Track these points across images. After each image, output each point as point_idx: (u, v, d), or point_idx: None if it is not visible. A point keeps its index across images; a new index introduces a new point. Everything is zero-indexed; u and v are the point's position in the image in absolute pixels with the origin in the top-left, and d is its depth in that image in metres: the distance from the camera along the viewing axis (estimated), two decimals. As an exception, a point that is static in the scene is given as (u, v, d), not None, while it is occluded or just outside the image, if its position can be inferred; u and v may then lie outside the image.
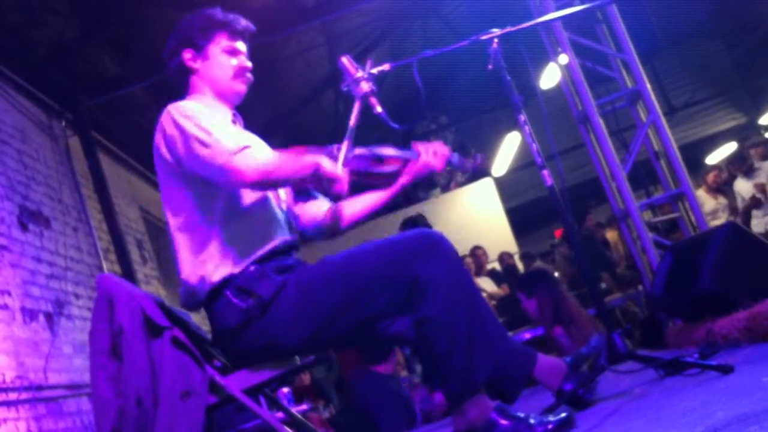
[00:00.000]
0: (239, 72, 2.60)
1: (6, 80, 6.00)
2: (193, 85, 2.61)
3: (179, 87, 2.64)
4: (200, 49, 2.58)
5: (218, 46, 2.59)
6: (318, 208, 2.73)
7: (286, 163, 2.33)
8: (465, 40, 2.74)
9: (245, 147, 2.28)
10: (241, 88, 2.62)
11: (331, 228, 2.72)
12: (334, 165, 2.32)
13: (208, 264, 2.38)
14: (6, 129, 5.76)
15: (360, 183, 2.62)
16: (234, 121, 2.63)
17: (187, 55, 2.58)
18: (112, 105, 7.30)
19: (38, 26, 6.04)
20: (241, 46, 2.63)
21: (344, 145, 2.44)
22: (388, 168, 2.63)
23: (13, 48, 5.99)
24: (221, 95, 2.61)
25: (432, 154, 2.66)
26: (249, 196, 2.45)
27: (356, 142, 2.49)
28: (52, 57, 6.37)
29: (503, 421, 2.15)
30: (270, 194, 2.52)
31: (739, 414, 1.65)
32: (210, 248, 2.38)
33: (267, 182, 2.33)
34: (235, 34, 2.62)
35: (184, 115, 2.38)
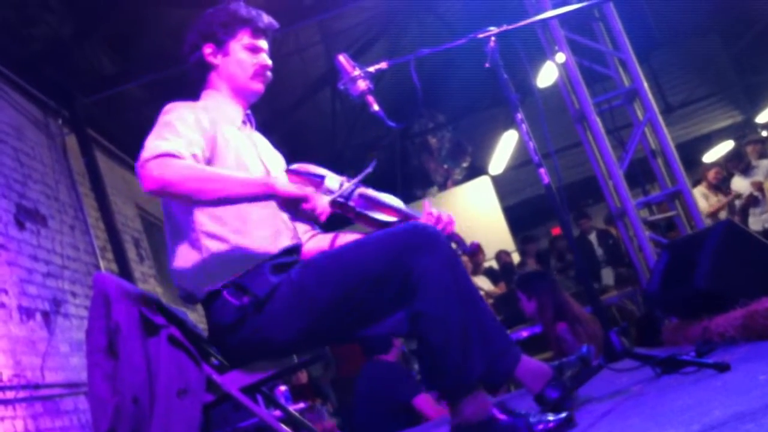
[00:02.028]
0: (259, 71, 2.59)
1: (2, 78, 5.99)
2: (211, 81, 2.60)
3: (197, 81, 2.63)
4: (221, 45, 2.57)
5: (239, 43, 2.57)
6: (302, 233, 2.66)
7: (206, 179, 2.22)
8: (462, 39, 2.74)
9: (163, 154, 2.21)
10: (259, 87, 2.60)
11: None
12: (299, 187, 2.29)
13: (203, 273, 2.37)
14: (2, 127, 5.75)
15: (352, 223, 2.60)
16: (244, 122, 2.61)
17: (207, 50, 2.57)
18: (109, 102, 7.29)
19: (34, 24, 6.03)
20: (262, 43, 2.62)
21: (350, 183, 2.45)
22: (385, 217, 2.58)
23: (9, 46, 5.98)
24: (238, 93, 2.59)
25: (435, 220, 2.60)
26: (252, 203, 2.40)
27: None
28: (49, 55, 6.36)
29: (503, 418, 2.15)
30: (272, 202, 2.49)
31: (735, 412, 1.65)
32: (205, 257, 2.37)
33: (170, 194, 2.23)
34: (258, 31, 2.60)
35: (161, 121, 2.37)
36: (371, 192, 2.59)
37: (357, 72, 2.55)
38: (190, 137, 2.33)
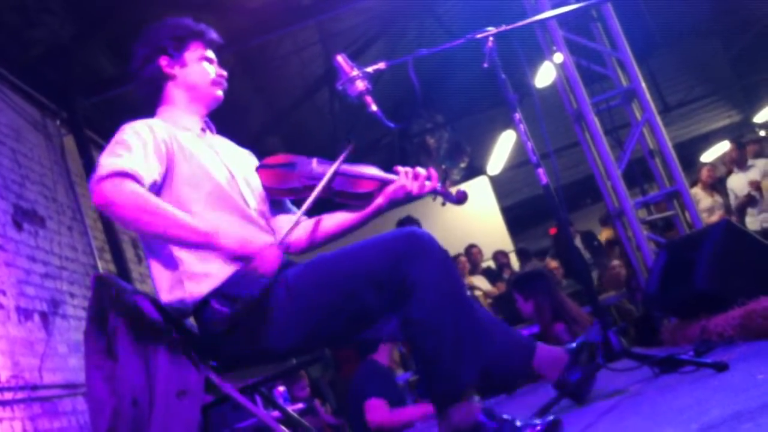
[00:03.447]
0: (218, 79, 2.62)
1: (1, 79, 5.99)
2: (167, 93, 2.60)
3: (150, 96, 2.62)
4: (175, 57, 2.58)
5: (195, 54, 2.60)
6: (286, 224, 2.62)
7: (152, 213, 2.22)
8: (460, 39, 2.74)
9: (119, 172, 2.22)
10: (219, 94, 2.63)
11: (294, 249, 2.66)
12: (243, 241, 2.26)
13: (186, 285, 2.36)
14: (0, 128, 5.75)
15: (333, 202, 2.59)
16: (204, 129, 2.61)
17: (163, 62, 2.58)
18: (107, 104, 7.29)
19: (34, 26, 6.03)
20: (212, 55, 2.65)
21: (302, 210, 2.42)
22: (363, 189, 2.57)
23: (8, 47, 5.98)
24: (198, 101, 2.61)
25: (412, 177, 2.57)
26: (214, 209, 2.41)
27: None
28: (48, 56, 6.36)
29: (489, 423, 2.12)
30: (238, 202, 2.47)
31: (733, 411, 1.65)
32: (183, 269, 2.36)
33: (108, 212, 2.24)
34: (209, 43, 2.64)
35: (117, 139, 2.36)
36: (345, 167, 2.56)
37: (355, 72, 2.55)
38: (144, 154, 2.33)
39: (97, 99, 6.96)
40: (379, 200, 2.59)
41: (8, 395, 4.64)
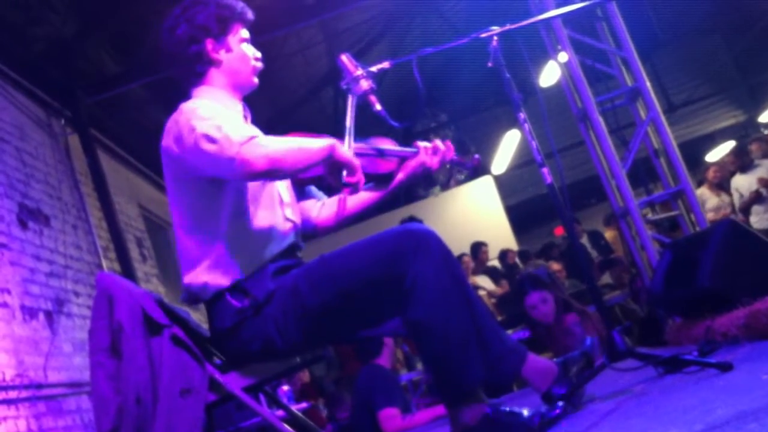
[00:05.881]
0: (256, 67, 2.57)
1: (5, 78, 6.00)
2: (210, 76, 2.51)
3: (189, 78, 2.53)
4: (219, 40, 2.50)
5: (236, 37, 2.53)
6: (312, 206, 2.69)
7: (296, 149, 2.23)
8: (465, 38, 2.74)
9: (252, 137, 2.20)
10: (256, 81, 2.58)
11: (322, 229, 2.69)
12: (348, 150, 2.28)
13: (213, 271, 2.36)
14: (5, 127, 5.76)
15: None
16: (245, 116, 2.57)
17: (209, 45, 2.49)
18: (112, 103, 7.30)
19: (37, 23, 6.03)
20: (247, 33, 2.59)
21: (348, 137, 2.41)
22: (385, 169, 2.59)
23: (12, 45, 5.99)
24: (238, 87, 2.55)
25: (430, 153, 2.60)
26: (255, 202, 2.40)
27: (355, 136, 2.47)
28: (51, 54, 6.36)
29: (497, 417, 2.14)
30: (274, 197, 2.47)
31: (738, 411, 1.65)
32: (216, 256, 2.36)
33: (277, 171, 2.22)
34: (247, 23, 2.58)
35: (199, 116, 2.29)
36: (362, 145, 2.55)
37: (359, 71, 2.54)
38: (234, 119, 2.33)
39: (101, 97, 6.95)
40: (400, 176, 2.63)
41: (13, 394, 4.65)
